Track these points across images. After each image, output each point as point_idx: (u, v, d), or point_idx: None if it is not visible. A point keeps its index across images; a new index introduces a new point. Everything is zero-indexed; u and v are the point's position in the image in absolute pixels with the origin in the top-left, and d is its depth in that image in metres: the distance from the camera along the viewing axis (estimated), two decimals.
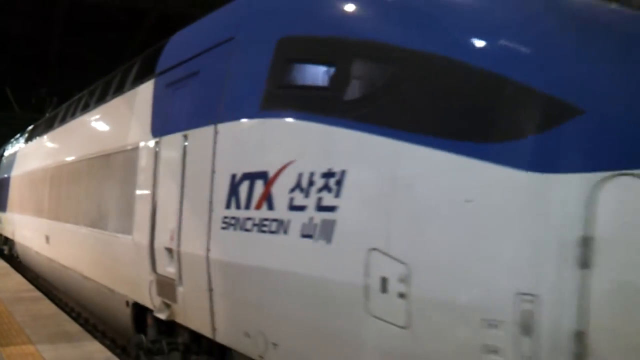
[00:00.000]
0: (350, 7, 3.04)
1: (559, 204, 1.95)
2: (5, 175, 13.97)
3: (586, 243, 1.86)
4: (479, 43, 2.37)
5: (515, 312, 2.00)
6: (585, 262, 1.86)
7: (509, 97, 2.18)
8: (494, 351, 2.06)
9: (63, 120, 9.12)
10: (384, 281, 2.46)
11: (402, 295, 2.38)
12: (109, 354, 5.02)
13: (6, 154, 15.47)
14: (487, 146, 2.17)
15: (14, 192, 12.35)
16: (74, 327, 6.01)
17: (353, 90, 2.80)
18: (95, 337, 5.97)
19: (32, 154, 11.23)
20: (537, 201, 2.00)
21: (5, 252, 13.44)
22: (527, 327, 1.97)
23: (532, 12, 2.35)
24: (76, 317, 7.97)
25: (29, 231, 10.43)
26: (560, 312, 1.90)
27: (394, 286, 2.41)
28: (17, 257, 12.03)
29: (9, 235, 12.77)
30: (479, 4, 2.55)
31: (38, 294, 8.06)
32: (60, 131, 9.18)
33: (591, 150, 1.92)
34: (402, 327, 2.38)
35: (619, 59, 2.06)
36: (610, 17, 2.26)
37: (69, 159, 7.85)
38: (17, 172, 12.45)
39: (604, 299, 1.83)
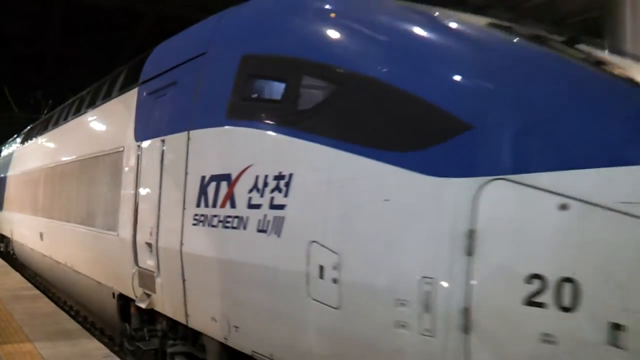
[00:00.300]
0: (301, 30, 3.47)
1: (451, 203, 2.36)
2: (2, 175, 14.41)
3: (471, 235, 2.27)
4: (401, 68, 2.79)
5: (419, 293, 2.42)
6: (470, 251, 2.28)
7: (417, 114, 2.60)
8: (403, 326, 2.48)
9: (56, 123, 9.57)
10: (321, 269, 2.88)
11: (335, 281, 2.80)
12: (107, 351, 5.02)
13: (3, 154, 15.90)
14: (401, 155, 2.59)
15: (11, 191, 12.78)
16: (72, 325, 6.02)
17: (300, 104, 3.23)
18: (94, 335, 5.96)
19: (28, 155, 11.66)
20: (435, 200, 2.42)
21: (2, 249, 13.88)
22: (427, 305, 2.39)
23: (446, 42, 2.77)
24: (74, 315, 8.05)
25: (24, 229, 10.86)
26: (451, 292, 2.31)
27: (329, 273, 2.83)
28: (14, 254, 12.46)
29: (6, 233, 13.20)
30: (405, 33, 2.96)
31: (36, 292, 8.12)
32: (54, 133, 9.63)
33: (476, 159, 2.34)
34: (335, 308, 2.80)
35: (504, 83, 2.47)
36: (501, 46, 2.68)
37: (61, 160, 8.28)
38: (13, 172, 12.90)
39: (484, 281, 2.24)
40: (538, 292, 2.07)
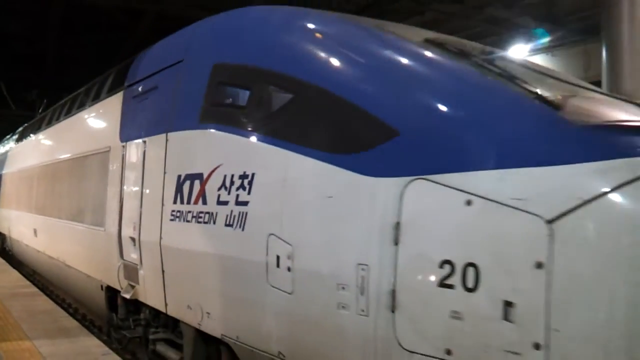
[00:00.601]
0: (263, 43, 3.84)
1: (382, 199, 2.73)
2: None
3: (397, 227, 2.64)
4: (344, 80, 3.16)
5: (356, 278, 2.79)
6: (396, 240, 2.64)
7: (356, 121, 2.97)
8: (344, 307, 2.85)
9: (49, 123, 9.95)
10: (277, 258, 3.25)
11: (289, 269, 3.17)
12: (106, 349, 5.04)
13: (0, 152, 16.28)
14: (342, 157, 2.96)
15: (6, 189, 13.16)
16: (71, 322, 6.02)
17: (260, 110, 3.60)
18: (92, 333, 5.96)
19: (22, 154, 12.05)
20: (369, 197, 2.79)
21: None
22: (362, 289, 2.76)
23: (381, 58, 3.14)
24: (73, 312, 8.05)
25: (19, 226, 11.25)
26: (380, 277, 2.68)
27: (284, 262, 3.21)
28: (10, 250, 12.85)
29: (2, 230, 13.59)
30: (349, 48, 3.33)
31: (34, 289, 8.11)
32: (46, 133, 10.03)
33: (401, 161, 2.70)
34: (289, 293, 3.17)
35: (426, 97, 2.84)
36: (427, 62, 3.04)
37: (54, 159, 8.65)
38: (8, 170, 13.29)
39: (406, 266, 2.61)
40: (448, 276, 2.43)
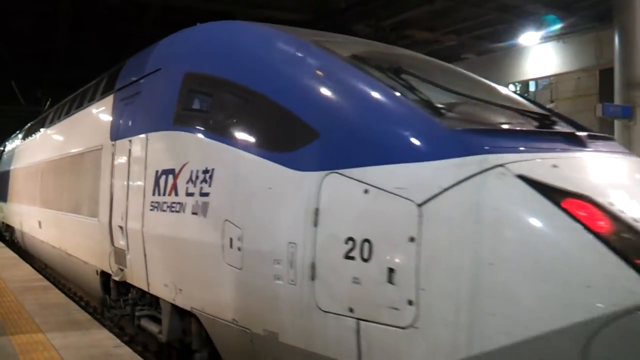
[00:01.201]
0: (222, 55, 4.54)
1: (306, 189, 3.41)
2: (6, 169, 15.72)
3: (316, 212, 3.33)
4: (281, 89, 3.85)
5: (287, 254, 3.48)
6: (316, 223, 3.33)
7: (290, 125, 3.65)
8: (279, 278, 3.55)
9: (51, 122, 10.78)
10: (231, 240, 3.96)
11: (239, 249, 3.88)
12: (117, 341, 5.15)
13: (7, 148, 17.21)
14: (279, 154, 3.65)
15: (14, 184, 14.06)
16: (83, 315, 6.14)
17: (218, 114, 4.30)
18: (104, 325, 6.13)
19: (28, 151, 12.91)
20: (298, 188, 3.47)
21: (7, 238, 15.19)
22: (292, 263, 3.45)
23: (312, 71, 3.82)
24: (85, 305, 8.23)
25: (26, 218, 12.11)
26: (304, 253, 3.37)
27: (236, 243, 3.91)
28: (18, 242, 13.74)
29: (11, 223, 14.51)
30: (288, 62, 4.02)
31: (47, 283, 8.28)
32: (48, 132, 10.87)
33: (320, 159, 3.39)
34: (239, 269, 3.88)
35: (341, 106, 3.52)
36: (345, 76, 3.71)
37: (55, 155, 9.46)
38: (16, 166, 14.19)
39: (322, 244, 3.29)
40: (351, 250, 3.12)
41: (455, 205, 2.78)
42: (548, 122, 3.31)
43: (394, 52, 4.72)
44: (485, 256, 2.64)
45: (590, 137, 3.32)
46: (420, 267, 2.81)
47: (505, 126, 3.23)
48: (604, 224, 2.60)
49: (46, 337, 5.15)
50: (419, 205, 2.85)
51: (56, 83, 22.85)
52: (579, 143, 3.18)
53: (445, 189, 2.81)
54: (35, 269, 10.10)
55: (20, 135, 15.43)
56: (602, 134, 3.64)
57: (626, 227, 2.62)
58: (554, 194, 2.67)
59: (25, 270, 9.55)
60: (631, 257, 2.48)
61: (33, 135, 12.84)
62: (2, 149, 18.68)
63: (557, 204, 2.64)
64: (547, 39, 23.90)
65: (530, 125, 3.31)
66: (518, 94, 4.66)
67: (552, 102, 33.34)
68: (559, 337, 2.43)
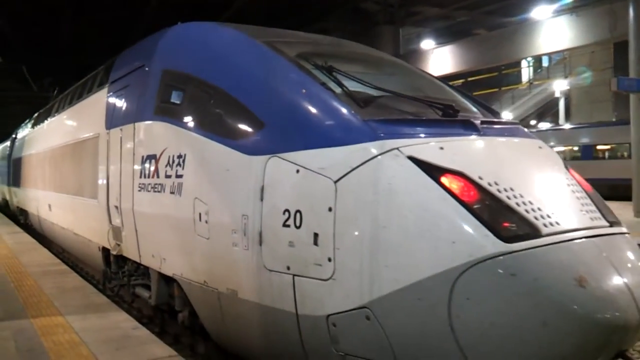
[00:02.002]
0: (191, 55, 5.37)
1: (254, 170, 4.23)
2: (18, 156, 16.86)
3: (262, 189, 4.15)
4: (235, 85, 4.66)
5: (241, 224, 4.32)
6: (262, 198, 4.16)
7: (243, 115, 4.47)
8: (235, 245, 4.39)
9: (56, 112, 11.80)
10: (199, 215, 4.81)
11: (206, 222, 4.73)
12: (135, 323, 5.34)
13: (18, 137, 18.35)
14: (234, 141, 4.48)
15: (26, 170, 15.17)
16: (100, 298, 6.37)
17: (188, 107, 5.14)
18: (122, 308, 6.35)
19: (37, 138, 13.97)
20: (248, 169, 4.30)
21: (22, 221, 16.37)
22: (245, 231, 4.29)
23: (262, 68, 4.62)
24: (102, 289, 8.34)
25: (37, 202, 13.20)
26: (254, 223, 4.20)
27: (203, 217, 4.77)
28: (32, 225, 14.88)
29: (24, 207, 15.67)
30: (245, 62, 4.82)
31: (64, 267, 8.52)
32: (54, 120, 11.89)
33: (265, 145, 4.20)
34: (207, 239, 4.74)
35: (281, 100, 4.32)
36: (287, 73, 4.50)
37: (60, 143, 10.44)
38: (26, 153, 15.30)
39: (266, 215, 4.11)
40: (287, 219, 3.94)
41: (360, 180, 3.59)
42: (451, 112, 4.07)
43: (338, 50, 5.50)
44: (380, 220, 3.45)
45: (486, 122, 4.09)
46: (335, 231, 3.63)
47: (409, 116, 4.00)
48: (471, 194, 3.39)
49: (66, 320, 5.38)
50: (335, 181, 3.67)
51: (64, 70, 23.90)
52: (472, 128, 3.95)
53: (354, 168, 3.62)
54: (53, 253, 10.46)
55: (29, 124, 16.54)
56: (508, 121, 4.40)
57: (489, 196, 3.41)
58: (434, 171, 3.47)
59: (44, 254, 9.81)
60: (487, 220, 3.28)
61: (41, 123, 13.92)
62: (14, 136, 19.85)
63: (435, 178, 3.43)
64: (559, 12, 24.16)
65: (434, 115, 4.08)
66: (449, 86, 5.39)
67: (566, 77, 33.60)
68: (433, 280, 3.24)
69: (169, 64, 5.67)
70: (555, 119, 33.89)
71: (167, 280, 5.81)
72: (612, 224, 3.76)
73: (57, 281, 7.25)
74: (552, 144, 25.45)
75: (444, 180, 3.44)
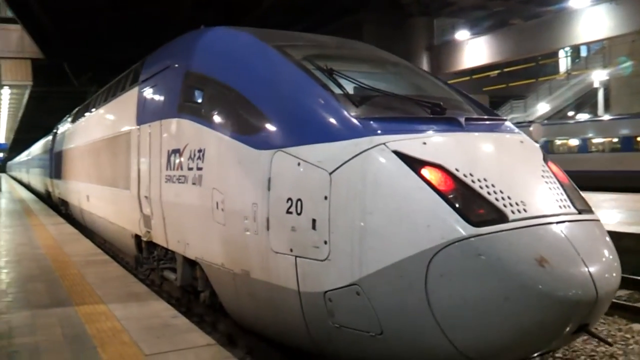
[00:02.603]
0: (211, 59, 5.97)
1: (263, 163, 4.80)
2: (59, 149, 17.96)
3: (269, 180, 4.72)
4: (248, 87, 5.23)
5: (251, 211, 4.90)
6: (269, 187, 4.72)
7: (253, 115, 5.05)
8: (247, 230, 4.97)
9: (93, 108, 12.69)
10: (217, 203, 5.43)
11: (222, 210, 5.34)
12: (174, 312, 5.57)
13: (59, 131, 19.49)
14: (246, 137, 5.05)
15: (66, 163, 16.21)
16: (140, 287, 6.63)
17: (207, 106, 5.75)
18: (161, 297, 6.55)
19: (76, 133, 14.95)
20: (258, 162, 4.87)
21: (63, 211, 17.46)
22: (255, 218, 4.86)
23: (271, 72, 5.17)
24: (142, 278, 8.68)
25: (76, 193, 14.17)
26: (262, 210, 4.76)
27: (220, 205, 5.38)
28: (72, 215, 15.91)
29: (65, 198, 16.73)
30: (256, 66, 5.39)
31: (106, 257, 8.91)
32: (91, 116, 12.78)
33: (272, 140, 4.76)
34: (223, 225, 5.35)
35: (286, 102, 4.86)
36: (292, 75, 5.03)
37: (97, 137, 11.28)
38: (66, 147, 16.35)
39: (273, 203, 4.67)
40: (290, 207, 4.50)
41: (351, 172, 4.12)
42: (438, 110, 4.55)
43: (342, 51, 6.03)
44: (367, 208, 3.97)
45: (471, 119, 4.56)
46: (330, 217, 4.16)
47: (398, 114, 4.50)
48: (447, 184, 3.88)
49: (108, 308, 5.65)
50: (330, 173, 4.20)
51: (102, 66, 25.01)
52: (457, 125, 4.43)
53: (346, 161, 4.15)
54: (95, 244, 10.96)
55: (69, 119, 17.61)
56: (493, 117, 4.85)
57: (463, 185, 3.89)
58: (415, 163, 3.97)
59: (86, 245, 10.28)
60: (459, 207, 3.76)
61: (79, 119, 14.89)
62: (55, 131, 21.04)
63: (416, 170, 3.93)
64: (599, 0, 23.95)
65: (423, 113, 4.57)
66: (448, 85, 5.85)
67: (605, 67, 33.08)
68: (411, 260, 3.75)
69: (191, 66, 6.30)
70: (593, 111, 33.47)
71: (191, 264, 6.46)
72: (580, 212, 4.19)
73: (99, 270, 7.61)
74: (590, 135, 25.33)
75: (424, 171, 3.93)
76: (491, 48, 28.00)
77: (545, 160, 4.61)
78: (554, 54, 35.00)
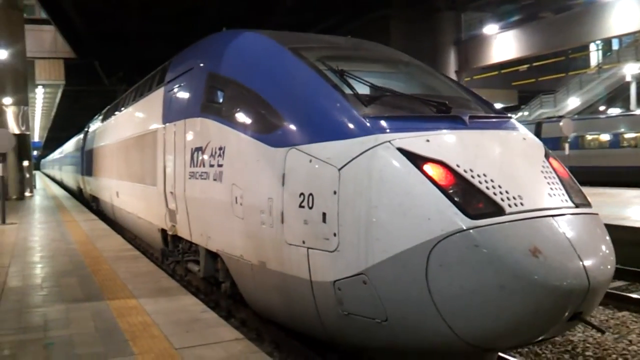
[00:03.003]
0: (229, 58, 6.33)
1: (278, 160, 5.12)
2: (90, 147, 18.65)
3: (283, 175, 5.03)
4: (269, 89, 5.55)
5: (267, 206, 5.22)
6: (283, 183, 5.04)
7: (270, 115, 5.37)
8: (263, 224, 5.29)
9: (122, 107, 13.23)
10: (236, 198, 5.78)
11: (241, 204, 5.69)
12: (204, 306, 5.70)
13: (90, 130, 20.20)
14: (264, 136, 5.39)
15: (97, 160, 16.85)
16: (170, 282, 6.82)
17: (228, 106, 6.10)
18: (190, 292, 6.72)
19: (106, 131, 15.56)
20: (273, 159, 5.19)
21: (94, 207, 18.13)
22: (270, 212, 5.19)
23: (287, 76, 5.49)
24: (172, 273, 8.92)
25: (106, 190, 14.76)
26: (277, 204, 5.08)
27: (239, 200, 5.72)
28: (103, 211, 16.53)
29: (95, 194, 17.39)
30: (272, 66, 5.72)
31: (136, 253, 9.08)
32: (120, 115, 13.33)
33: (286, 139, 5.07)
34: (242, 219, 5.70)
35: (300, 104, 5.17)
36: (308, 78, 5.33)
37: (126, 136, 11.80)
38: (96, 145, 17.00)
39: (287, 197, 4.99)
40: (302, 201, 4.81)
41: (358, 168, 4.41)
42: (444, 108, 4.81)
43: (355, 52, 6.31)
44: (372, 202, 4.26)
45: (475, 117, 4.80)
46: (339, 211, 4.46)
47: (404, 113, 4.77)
48: (448, 179, 4.14)
49: (139, 303, 5.79)
50: (339, 169, 4.50)
51: (132, 64, 25.71)
52: (460, 123, 4.68)
53: (354, 158, 4.45)
54: (126, 239, 11.24)
55: (99, 118, 18.28)
56: (498, 115, 5.09)
57: (463, 180, 4.14)
58: (418, 160, 4.23)
59: (117, 240, 10.55)
60: (458, 201, 4.02)
61: (109, 118, 15.50)
62: (86, 129, 21.78)
63: (418, 166, 4.20)
64: None
65: (428, 111, 4.83)
66: (457, 84, 6.09)
67: (638, 60, 32.48)
68: (413, 250, 4.02)
69: (212, 68, 6.66)
70: (626, 105, 32.92)
71: (213, 256, 6.84)
72: (578, 206, 4.40)
73: (130, 266, 7.80)
74: (622, 130, 25.00)
75: (426, 167, 4.20)
76: (520, 42, 27.83)
77: (547, 156, 4.82)
78: (585, 48, 34.52)
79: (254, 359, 4.25)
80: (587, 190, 4.95)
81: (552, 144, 27.27)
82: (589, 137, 26.17)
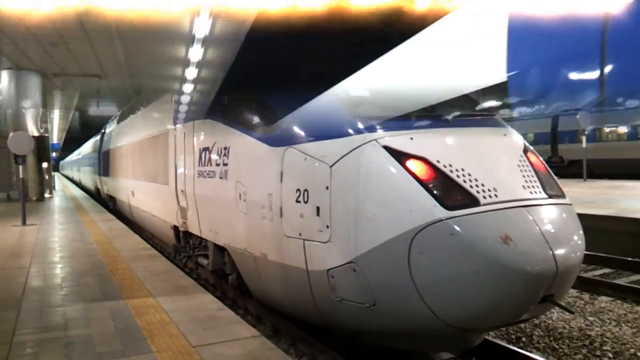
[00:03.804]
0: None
1: (277, 158, 5.58)
2: (106, 149, 19.33)
3: (281, 173, 5.50)
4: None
5: (268, 201, 5.68)
6: (281, 179, 5.50)
7: (270, 117, 5.83)
8: (264, 218, 5.75)
9: (136, 110, 13.86)
10: (239, 195, 6.25)
11: (244, 200, 6.16)
12: (220, 304, 5.80)
13: (106, 132, 20.90)
14: (264, 136, 5.85)
15: (113, 161, 17.50)
16: (187, 281, 6.90)
17: (232, 109, 6.58)
18: (207, 290, 6.79)
19: (121, 133, 16.20)
20: (273, 158, 5.65)
21: (111, 207, 18.79)
22: (270, 207, 5.65)
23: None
24: (189, 272, 9.15)
25: (122, 189, 15.38)
26: (276, 200, 5.54)
27: (242, 197, 6.20)
28: (119, 210, 17.17)
29: (111, 194, 18.05)
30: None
31: (154, 252, 9.15)
32: (135, 118, 13.95)
33: (284, 139, 5.53)
34: (245, 214, 6.17)
35: (302, 113, 5.62)
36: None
37: (140, 137, 12.37)
38: (113, 146, 17.65)
39: (285, 193, 5.45)
40: (298, 196, 5.27)
41: (347, 165, 4.85)
42: (430, 108, 5.23)
43: None
44: (360, 196, 4.70)
45: (460, 116, 5.21)
46: (331, 205, 4.91)
47: (392, 113, 5.19)
48: (428, 174, 4.56)
49: (157, 301, 5.88)
50: (331, 166, 4.95)
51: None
52: (444, 121, 5.10)
53: (343, 155, 4.89)
54: (143, 238, 11.35)
55: (115, 120, 18.96)
56: (482, 114, 5.49)
57: (442, 175, 4.56)
58: (401, 156, 4.66)
59: (134, 240, 10.65)
60: (437, 193, 4.44)
61: (124, 120, 16.14)
62: (103, 131, 22.48)
63: (401, 162, 4.63)
64: None
65: (416, 112, 5.25)
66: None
67: None
68: (396, 240, 4.45)
69: None
70: None
71: (220, 250, 7.33)
72: (551, 197, 4.79)
73: (147, 265, 7.87)
74: None
75: (409, 163, 4.63)
76: None
77: (525, 151, 5.21)
78: None
79: (271, 356, 4.35)
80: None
81: (569, 137, 27.35)
82: (606, 130, 26.17)
